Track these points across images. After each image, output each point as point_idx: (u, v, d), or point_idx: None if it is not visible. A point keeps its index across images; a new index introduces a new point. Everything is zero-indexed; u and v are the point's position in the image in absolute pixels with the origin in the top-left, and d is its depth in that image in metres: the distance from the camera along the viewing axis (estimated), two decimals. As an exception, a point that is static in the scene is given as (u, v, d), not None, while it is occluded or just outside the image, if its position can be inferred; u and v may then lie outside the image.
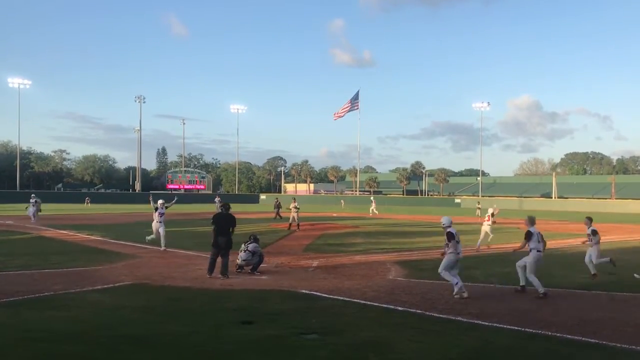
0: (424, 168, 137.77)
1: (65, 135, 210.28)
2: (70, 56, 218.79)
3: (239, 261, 13.75)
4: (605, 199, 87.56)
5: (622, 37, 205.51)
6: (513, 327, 8.38)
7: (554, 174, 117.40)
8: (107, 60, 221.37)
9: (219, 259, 13.09)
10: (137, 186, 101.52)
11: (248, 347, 7.19)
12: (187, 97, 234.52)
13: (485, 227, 19.70)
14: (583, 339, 7.74)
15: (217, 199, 15.69)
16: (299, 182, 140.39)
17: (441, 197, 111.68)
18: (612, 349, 7.32)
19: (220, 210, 14.28)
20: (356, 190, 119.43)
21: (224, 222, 13.24)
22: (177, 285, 11.87)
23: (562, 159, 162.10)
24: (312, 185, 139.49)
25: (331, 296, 10.80)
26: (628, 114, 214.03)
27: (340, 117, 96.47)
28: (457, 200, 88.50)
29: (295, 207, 28.16)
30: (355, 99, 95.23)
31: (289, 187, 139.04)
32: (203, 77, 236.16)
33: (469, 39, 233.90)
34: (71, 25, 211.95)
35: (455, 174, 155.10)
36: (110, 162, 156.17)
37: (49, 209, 50.76)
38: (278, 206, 37.65)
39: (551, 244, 17.14)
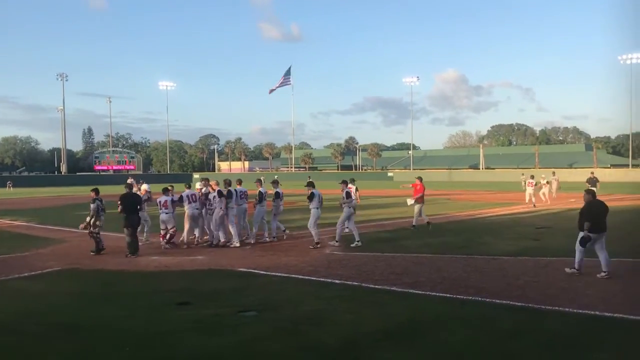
0: (357, 143, 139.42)
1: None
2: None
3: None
4: (530, 168, 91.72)
5: (543, 9, 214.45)
6: (445, 295, 8.69)
7: (481, 145, 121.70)
8: (23, 35, 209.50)
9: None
10: (63, 168, 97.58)
11: (186, 327, 7.10)
12: (111, 74, 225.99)
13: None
14: (510, 302, 8.14)
15: (129, 180, 15.01)
16: (234, 160, 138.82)
17: (375, 171, 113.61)
18: (537, 311, 7.73)
19: (127, 191, 14.07)
20: (292, 167, 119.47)
21: (132, 202, 13.55)
22: (110, 269, 11.56)
23: (488, 130, 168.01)
24: (247, 163, 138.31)
25: (269, 273, 10.84)
26: (549, 86, 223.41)
27: (273, 90, 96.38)
28: (390, 174, 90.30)
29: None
30: (287, 74, 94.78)
31: (223, 166, 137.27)
32: (127, 53, 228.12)
33: (397, 12, 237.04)
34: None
35: (387, 148, 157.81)
36: (33, 144, 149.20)
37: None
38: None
39: (479, 212, 17.82)
